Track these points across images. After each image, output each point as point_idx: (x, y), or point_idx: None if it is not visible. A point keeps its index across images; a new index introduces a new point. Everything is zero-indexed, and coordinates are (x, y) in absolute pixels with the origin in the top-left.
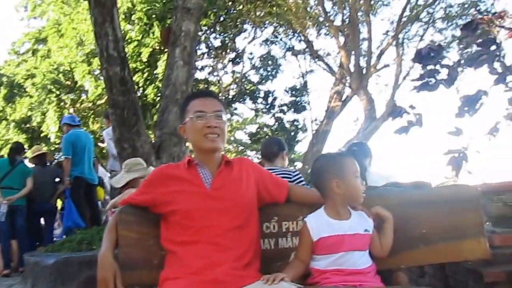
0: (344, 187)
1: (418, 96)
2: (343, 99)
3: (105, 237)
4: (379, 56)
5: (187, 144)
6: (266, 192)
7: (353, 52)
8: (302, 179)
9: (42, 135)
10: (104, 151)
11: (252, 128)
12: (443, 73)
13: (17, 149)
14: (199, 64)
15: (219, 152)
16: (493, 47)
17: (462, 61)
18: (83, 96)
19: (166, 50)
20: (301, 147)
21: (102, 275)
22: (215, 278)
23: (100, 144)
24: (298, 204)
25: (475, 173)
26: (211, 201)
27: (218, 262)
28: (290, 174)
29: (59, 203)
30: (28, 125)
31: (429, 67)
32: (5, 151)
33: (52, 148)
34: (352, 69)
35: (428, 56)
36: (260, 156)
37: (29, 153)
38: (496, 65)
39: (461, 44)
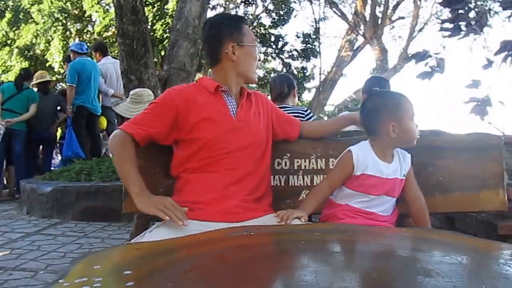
0: (400, 131)
1: (435, 47)
2: (354, 48)
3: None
4: (395, 8)
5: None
6: (279, 129)
7: (369, 1)
8: (314, 118)
9: (46, 63)
10: None
11: (259, 73)
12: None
13: (25, 76)
14: (210, 2)
15: None
16: None
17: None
18: (90, 28)
19: None
20: (308, 96)
21: (161, 202)
22: (225, 209)
23: None
24: (311, 142)
25: (496, 124)
26: (236, 132)
27: (231, 194)
28: (302, 113)
29: (59, 132)
30: (31, 53)
31: (458, 12)
32: (5, 78)
33: (55, 78)
34: (367, 18)
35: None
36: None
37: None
38: None
39: None
